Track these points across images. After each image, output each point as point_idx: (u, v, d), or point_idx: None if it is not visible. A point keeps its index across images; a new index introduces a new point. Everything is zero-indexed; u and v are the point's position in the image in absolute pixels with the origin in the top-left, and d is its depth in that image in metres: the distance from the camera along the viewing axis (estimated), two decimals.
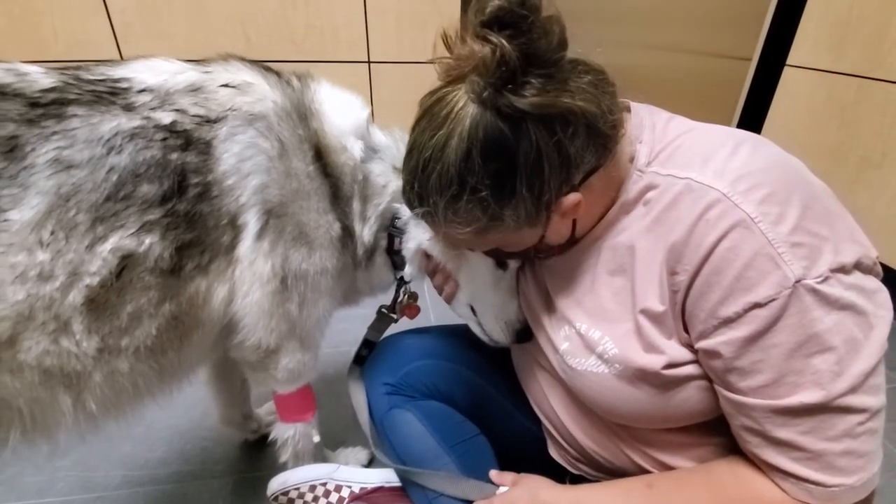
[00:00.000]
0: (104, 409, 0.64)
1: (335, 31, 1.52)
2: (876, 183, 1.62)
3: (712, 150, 0.53)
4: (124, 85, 0.62)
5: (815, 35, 1.76)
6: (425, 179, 0.53)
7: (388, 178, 0.79)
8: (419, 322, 0.95)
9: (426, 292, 1.04)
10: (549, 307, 0.69)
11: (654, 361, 0.54)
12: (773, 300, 0.45)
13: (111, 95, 0.60)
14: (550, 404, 0.72)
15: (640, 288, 0.56)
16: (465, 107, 0.49)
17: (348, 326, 1.06)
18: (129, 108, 0.60)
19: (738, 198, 0.48)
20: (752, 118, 2.00)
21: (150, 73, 0.64)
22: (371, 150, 0.79)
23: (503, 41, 0.47)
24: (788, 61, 1.86)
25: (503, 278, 0.76)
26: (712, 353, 0.50)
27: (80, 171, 0.55)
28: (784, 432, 0.48)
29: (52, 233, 0.54)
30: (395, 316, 0.91)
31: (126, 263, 0.58)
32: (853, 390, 0.45)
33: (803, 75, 1.82)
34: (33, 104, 0.55)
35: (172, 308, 0.63)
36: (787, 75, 1.88)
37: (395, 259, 0.83)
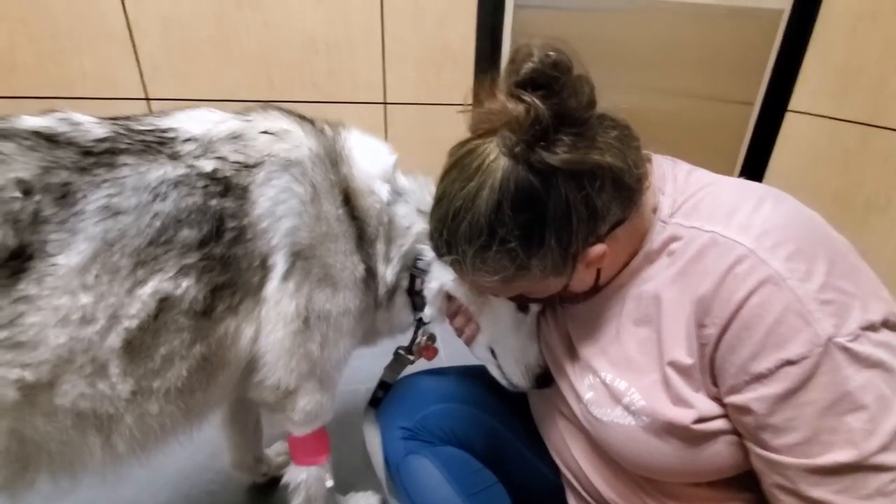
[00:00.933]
0: (131, 450, 0.64)
1: (354, 74, 1.58)
2: (882, 228, 1.64)
3: (736, 204, 0.55)
4: (171, 135, 0.65)
5: (815, 82, 1.82)
6: (455, 228, 0.54)
7: (412, 220, 0.81)
8: (433, 362, 0.95)
9: (440, 336, 1.04)
10: (573, 354, 0.69)
11: (683, 415, 0.54)
12: (806, 358, 0.46)
13: (159, 145, 0.63)
14: (571, 453, 0.71)
15: (666, 339, 0.56)
16: (496, 160, 0.51)
17: (360, 364, 1.05)
18: (174, 156, 0.63)
19: (764, 253, 0.49)
20: (756, 162, 2.04)
21: (194, 123, 0.68)
22: (396, 194, 0.82)
23: (536, 101, 0.49)
24: (790, 107, 1.91)
25: (524, 322, 0.76)
26: (744, 409, 0.51)
27: (126, 217, 0.57)
28: (818, 491, 0.48)
29: (97, 276, 0.55)
30: (412, 357, 0.91)
31: (163, 306, 0.59)
32: (885, 448, 0.45)
33: (806, 121, 1.87)
34: (86, 153, 0.58)
35: (203, 349, 0.64)
36: (790, 120, 1.93)
37: (416, 300, 0.84)
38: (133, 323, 0.58)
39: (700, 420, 0.54)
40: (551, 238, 0.52)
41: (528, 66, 0.50)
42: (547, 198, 0.51)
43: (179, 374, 0.63)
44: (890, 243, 1.62)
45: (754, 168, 2.04)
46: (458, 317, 0.80)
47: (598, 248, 0.55)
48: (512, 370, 0.77)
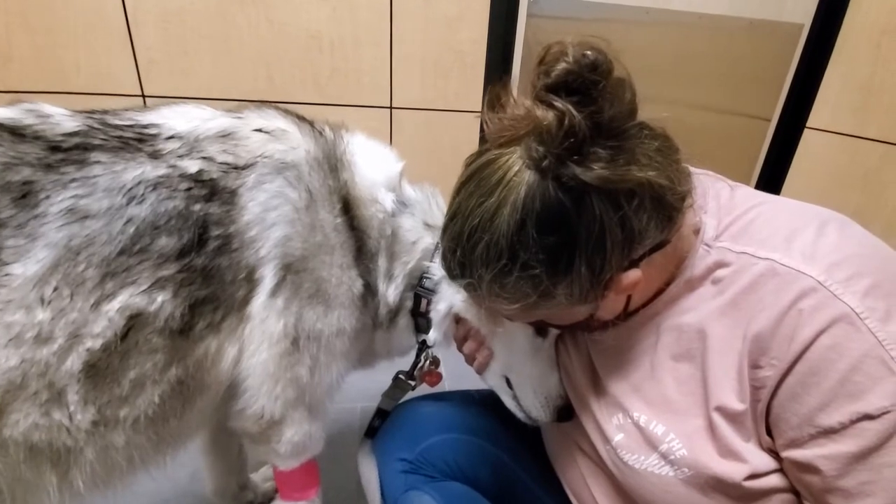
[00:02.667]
0: (93, 486, 0.57)
1: (359, 76, 1.52)
2: None
3: (795, 227, 0.48)
4: (153, 131, 0.58)
5: (836, 99, 1.76)
6: (470, 249, 0.48)
7: (418, 235, 0.74)
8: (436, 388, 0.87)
9: (441, 353, 0.98)
10: (598, 388, 0.62)
11: (733, 470, 0.47)
12: (888, 412, 0.39)
13: (138, 142, 0.56)
14: (592, 494, 0.64)
15: (713, 380, 0.49)
16: (519, 173, 0.44)
17: (354, 379, 0.97)
18: (155, 155, 0.56)
19: (837, 287, 0.42)
20: (771, 180, 1.98)
21: (180, 119, 0.61)
22: (402, 205, 0.75)
23: (571, 108, 0.42)
24: (809, 123, 1.86)
25: (542, 347, 0.69)
26: (808, 468, 0.44)
27: (95, 221, 0.51)
28: None
29: (56, 289, 0.49)
30: (413, 383, 0.84)
31: (133, 324, 0.53)
32: None
33: (824, 138, 1.81)
34: (54, 148, 0.51)
35: (179, 372, 0.57)
36: (808, 137, 1.87)
37: (420, 321, 0.77)
38: (97, 343, 0.51)
39: (752, 476, 0.47)
40: (581, 264, 0.45)
41: (562, 67, 0.43)
42: (578, 219, 0.44)
43: (151, 400, 0.56)
44: None
45: (769, 186, 1.98)
46: (468, 342, 0.73)
47: (633, 275, 0.48)
48: (530, 401, 0.70)
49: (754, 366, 0.46)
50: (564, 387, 0.69)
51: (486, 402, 0.81)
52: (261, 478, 1.06)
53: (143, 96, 1.46)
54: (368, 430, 0.84)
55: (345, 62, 1.49)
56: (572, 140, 0.42)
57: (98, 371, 0.52)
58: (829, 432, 0.42)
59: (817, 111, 1.82)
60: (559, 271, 0.46)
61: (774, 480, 0.47)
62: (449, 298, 0.71)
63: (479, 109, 1.88)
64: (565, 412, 0.68)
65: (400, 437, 0.79)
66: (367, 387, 0.85)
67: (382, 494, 0.76)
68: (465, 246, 0.48)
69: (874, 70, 1.63)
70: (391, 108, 1.58)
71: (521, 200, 0.44)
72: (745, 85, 1.86)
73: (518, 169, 0.45)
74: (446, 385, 1.02)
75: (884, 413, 0.39)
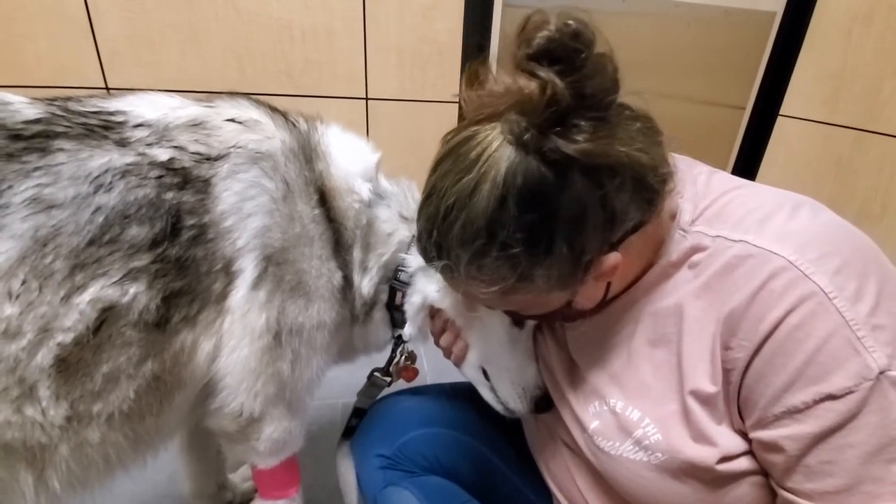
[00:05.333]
0: (69, 486, 0.56)
1: (333, 66, 1.49)
2: (877, 236, 1.59)
3: (769, 210, 0.48)
4: (119, 118, 0.56)
5: (808, 86, 1.79)
6: (447, 229, 0.46)
7: (394, 226, 0.73)
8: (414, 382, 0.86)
9: (422, 349, 0.97)
10: (575, 377, 0.62)
11: (705, 454, 0.47)
12: (851, 392, 0.39)
13: (104, 129, 0.54)
14: (577, 486, 0.64)
15: (688, 364, 0.49)
16: (500, 148, 0.43)
17: (336, 374, 0.96)
18: (122, 143, 0.54)
19: (808, 266, 0.42)
20: (746, 168, 2.01)
21: (148, 106, 0.59)
22: (378, 196, 0.74)
23: (554, 77, 0.41)
24: (782, 111, 1.88)
25: (519, 338, 0.69)
26: (772, 447, 0.44)
27: (61, 211, 0.49)
28: None
29: (24, 282, 0.47)
30: (388, 380, 0.82)
31: (106, 317, 0.51)
32: None
33: (797, 125, 1.84)
34: (15, 136, 0.49)
35: (155, 367, 0.56)
36: (781, 125, 1.90)
37: (395, 315, 0.76)
38: (68, 337, 0.49)
39: (724, 459, 0.47)
40: (563, 244, 0.44)
41: (544, 34, 0.42)
42: (559, 195, 0.43)
43: (126, 396, 0.55)
44: (886, 250, 1.59)
45: (744, 174, 2.00)
46: (444, 334, 0.72)
47: (613, 258, 0.48)
48: (507, 393, 0.70)
49: (725, 347, 0.46)
50: (542, 378, 0.68)
51: (465, 396, 0.80)
52: (240, 478, 1.04)
53: (107, 88, 1.41)
54: (346, 430, 0.83)
55: (318, 53, 1.46)
56: (554, 110, 0.41)
57: (70, 365, 0.50)
58: (793, 412, 0.42)
59: (790, 99, 1.85)
60: (539, 252, 0.44)
61: (745, 463, 0.47)
62: (423, 290, 0.70)
63: (457, 100, 1.85)
64: (543, 403, 0.67)
65: (377, 434, 0.78)
66: (348, 382, 0.84)
67: (361, 491, 0.75)
68: (440, 226, 0.46)
69: (845, 57, 1.65)
70: (367, 99, 1.56)
71: (501, 176, 0.42)
72: (719, 74, 1.87)
73: (498, 144, 0.43)
74: (428, 380, 1.01)
75: (847, 393, 0.39)
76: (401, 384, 0.85)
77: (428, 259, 0.51)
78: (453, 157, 0.46)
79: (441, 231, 0.47)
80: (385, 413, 0.82)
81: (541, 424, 0.71)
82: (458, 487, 0.73)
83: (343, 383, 0.85)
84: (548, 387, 0.67)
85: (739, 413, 0.47)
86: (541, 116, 0.41)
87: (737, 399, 0.46)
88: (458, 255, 0.46)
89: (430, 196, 0.48)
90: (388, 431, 0.78)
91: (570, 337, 0.64)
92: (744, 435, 0.47)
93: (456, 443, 0.77)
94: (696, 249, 0.50)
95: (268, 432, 0.70)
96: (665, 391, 0.51)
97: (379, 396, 0.85)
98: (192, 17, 1.36)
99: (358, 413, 0.83)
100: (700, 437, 0.48)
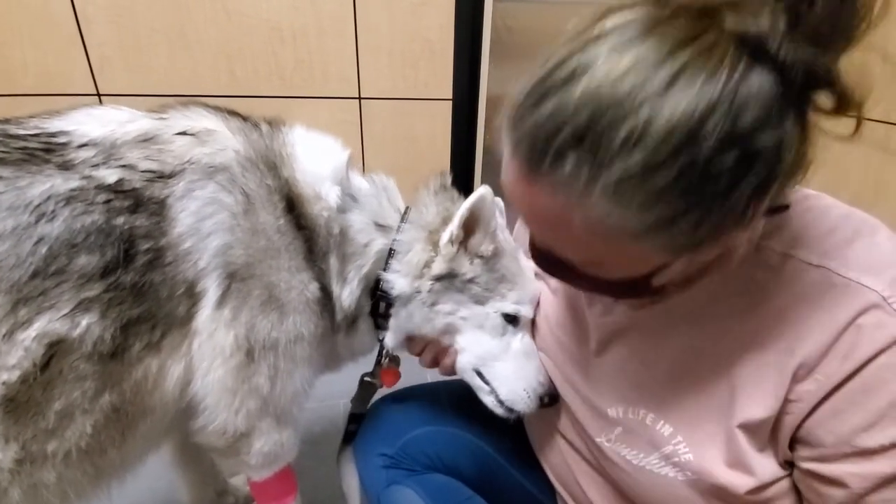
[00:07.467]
0: None
1: (325, 67, 1.48)
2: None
3: (848, 234, 0.44)
4: (62, 139, 0.53)
5: None
6: (606, 127, 0.33)
7: (370, 237, 0.70)
8: (417, 379, 0.86)
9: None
10: (591, 371, 0.60)
11: (739, 482, 0.45)
12: None
13: (45, 153, 0.52)
14: (576, 480, 0.64)
15: (743, 392, 0.46)
16: (736, 56, 0.32)
17: (336, 377, 0.96)
18: (65, 166, 0.52)
19: None
20: None
21: (94, 123, 0.57)
22: (350, 199, 0.70)
23: None
24: None
25: (515, 335, 0.68)
26: (834, 482, 0.42)
27: (0, 244, 0.47)
28: None
29: None
30: (377, 382, 0.82)
31: (55, 351, 0.49)
32: None
33: None
34: None
35: (113, 398, 0.54)
36: None
37: (380, 321, 0.74)
38: (13, 375, 0.48)
39: (757, 489, 0.45)
40: (746, 190, 0.34)
41: None
42: (774, 126, 0.32)
43: (83, 431, 0.53)
44: None
45: None
46: (425, 353, 0.72)
47: (744, 235, 0.44)
48: (508, 392, 0.68)
49: (797, 379, 0.43)
50: (545, 373, 0.68)
51: (464, 393, 0.80)
52: (241, 481, 1.04)
53: (99, 95, 1.40)
54: (345, 436, 0.83)
55: (309, 53, 1.45)
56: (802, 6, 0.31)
57: (18, 405, 0.48)
58: (866, 453, 0.40)
59: None
60: (706, 195, 0.34)
61: (774, 490, 0.46)
62: (402, 320, 0.70)
63: (450, 97, 1.85)
64: (549, 399, 0.67)
65: (379, 434, 0.79)
66: (348, 383, 0.83)
67: (364, 491, 0.75)
68: (596, 121, 0.33)
69: None
70: (360, 98, 1.55)
71: (734, 87, 0.31)
72: None
73: (733, 52, 0.32)
74: (428, 378, 1.01)
75: None
76: (397, 386, 0.84)
77: (535, 162, 0.37)
78: (661, 38, 0.33)
79: (595, 129, 0.34)
80: (386, 413, 0.82)
81: (542, 419, 0.71)
82: (461, 484, 0.73)
83: (343, 384, 0.85)
84: (556, 382, 0.66)
85: (791, 443, 0.45)
86: (801, 23, 0.32)
87: (794, 430, 0.44)
88: (611, 162, 0.34)
89: (574, 76, 0.35)
90: (390, 431, 0.78)
91: (600, 323, 0.58)
92: (786, 464, 0.46)
93: (457, 440, 0.77)
94: (762, 265, 0.46)
95: (258, 446, 0.69)
96: (708, 413, 0.48)
97: (372, 400, 0.85)
98: (181, 21, 1.35)
99: (354, 418, 0.83)
100: (737, 463, 0.46)
